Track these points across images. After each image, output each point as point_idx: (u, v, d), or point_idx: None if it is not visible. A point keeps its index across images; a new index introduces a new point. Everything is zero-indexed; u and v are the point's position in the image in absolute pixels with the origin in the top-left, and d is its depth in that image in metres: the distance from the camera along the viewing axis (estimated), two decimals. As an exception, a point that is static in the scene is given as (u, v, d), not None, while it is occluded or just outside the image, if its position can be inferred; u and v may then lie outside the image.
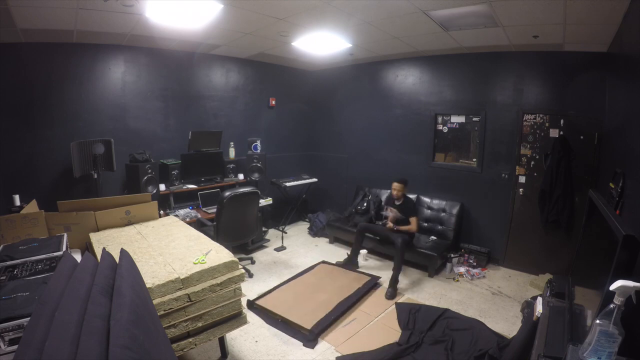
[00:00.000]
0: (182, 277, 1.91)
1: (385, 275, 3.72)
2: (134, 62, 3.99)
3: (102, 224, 2.77)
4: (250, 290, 3.36)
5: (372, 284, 3.59)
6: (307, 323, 2.81)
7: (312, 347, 2.63)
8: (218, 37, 3.75)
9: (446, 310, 3.09)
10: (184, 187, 4.22)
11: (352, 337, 2.74)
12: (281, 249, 4.63)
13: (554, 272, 3.17)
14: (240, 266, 2.22)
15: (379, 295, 3.43)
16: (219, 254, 2.20)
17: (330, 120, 5.81)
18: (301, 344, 2.66)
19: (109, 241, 2.46)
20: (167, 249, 2.31)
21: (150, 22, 3.08)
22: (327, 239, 5.01)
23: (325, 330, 2.80)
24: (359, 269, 3.99)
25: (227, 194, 3.38)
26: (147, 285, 1.70)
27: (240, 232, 3.70)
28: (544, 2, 2.44)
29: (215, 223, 3.44)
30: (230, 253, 2.24)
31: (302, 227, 5.61)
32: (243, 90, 5.09)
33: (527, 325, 1.89)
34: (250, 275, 3.77)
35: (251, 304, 3.16)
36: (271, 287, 3.48)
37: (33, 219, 2.60)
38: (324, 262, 4.18)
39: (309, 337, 2.70)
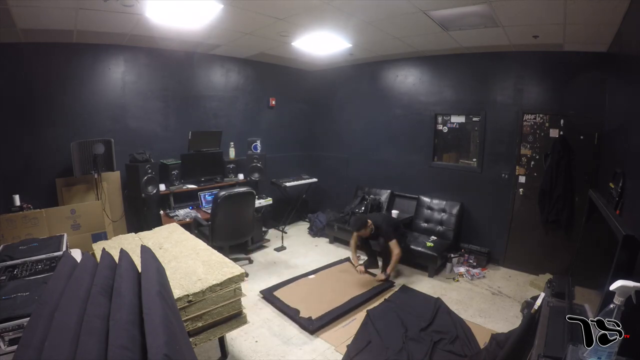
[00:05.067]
0: (182, 277, 1.91)
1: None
2: (134, 62, 3.99)
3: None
4: (248, 290, 3.35)
5: (385, 287, 3.53)
6: (313, 315, 2.90)
7: (312, 332, 2.75)
8: (218, 37, 3.74)
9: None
10: (184, 187, 4.22)
11: (351, 337, 2.74)
12: (281, 249, 4.63)
13: (554, 272, 3.16)
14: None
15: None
16: (224, 269, 2.18)
17: (330, 120, 5.81)
18: (301, 344, 2.66)
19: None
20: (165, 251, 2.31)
21: (150, 22, 3.08)
22: (327, 239, 5.00)
23: (327, 326, 2.85)
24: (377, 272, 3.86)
25: (221, 193, 3.39)
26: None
27: (236, 232, 3.70)
28: (544, 2, 2.44)
29: (210, 223, 3.44)
30: (238, 266, 2.22)
31: (302, 227, 5.61)
32: (243, 90, 5.09)
33: (526, 320, 1.89)
34: (246, 275, 3.77)
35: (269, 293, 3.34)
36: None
37: (33, 219, 2.60)
38: (348, 259, 4.21)
39: (310, 324, 2.81)
